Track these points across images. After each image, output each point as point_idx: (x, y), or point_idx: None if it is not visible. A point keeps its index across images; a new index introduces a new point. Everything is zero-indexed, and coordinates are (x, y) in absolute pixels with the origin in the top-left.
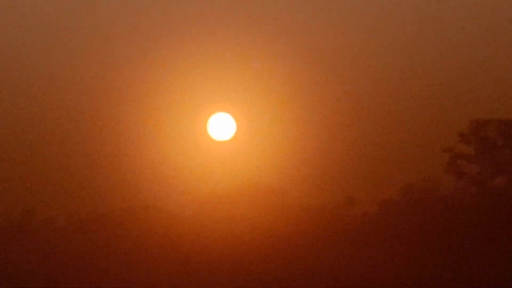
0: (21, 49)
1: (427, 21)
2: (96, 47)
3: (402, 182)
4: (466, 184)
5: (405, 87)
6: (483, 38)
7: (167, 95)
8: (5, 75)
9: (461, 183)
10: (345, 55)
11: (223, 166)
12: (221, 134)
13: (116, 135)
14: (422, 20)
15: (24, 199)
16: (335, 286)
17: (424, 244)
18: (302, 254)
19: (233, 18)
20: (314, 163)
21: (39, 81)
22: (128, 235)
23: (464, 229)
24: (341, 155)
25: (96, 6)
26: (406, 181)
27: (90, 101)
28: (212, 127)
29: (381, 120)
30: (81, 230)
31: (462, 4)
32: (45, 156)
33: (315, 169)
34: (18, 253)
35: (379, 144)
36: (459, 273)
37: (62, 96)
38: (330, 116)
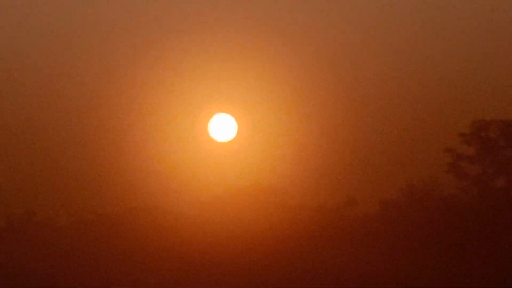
0: (22, 51)
1: (429, 21)
2: (96, 48)
3: (403, 183)
4: (468, 184)
5: (407, 88)
6: (485, 39)
7: (168, 96)
8: (8, 76)
9: (462, 184)
10: (347, 56)
11: (224, 167)
12: (222, 135)
13: (117, 136)
14: (423, 21)
15: (25, 199)
16: (336, 286)
17: (425, 244)
18: (303, 254)
19: (234, 19)
20: (315, 164)
21: (41, 82)
22: (129, 236)
23: (465, 230)
24: (342, 156)
25: (98, 7)
26: (407, 181)
27: (91, 102)
28: (213, 128)
29: (382, 121)
30: (82, 230)
31: (464, 4)
32: (46, 157)
33: (316, 169)
34: (18, 253)
35: (380, 144)
36: (460, 273)
37: (62, 97)
38: (331, 117)
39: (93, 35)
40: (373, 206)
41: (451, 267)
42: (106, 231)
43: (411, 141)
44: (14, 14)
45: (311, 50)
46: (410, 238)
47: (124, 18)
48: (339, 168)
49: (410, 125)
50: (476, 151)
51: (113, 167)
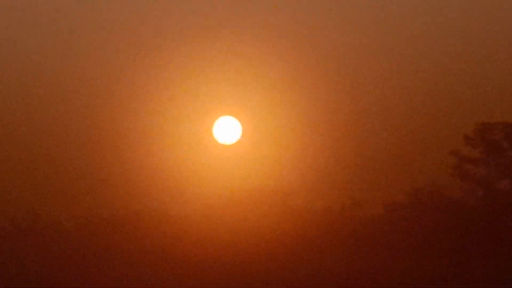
0: (24, 54)
1: (432, 24)
2: (101, 50)
3: (408, 185)
4: (472, 187)
5: (411, 91)
6: (488, 42)
7: (173, 99)
8: (9, 78)
9: (467, 186)
10: (351, 60)
11: (229, 170)
12: (226, 138)
13: (121, 139)
14: (426, 24)
15: (29, 202)
16: (341, 286)
17: (430, 247)
18: (308, 257)
19: (239, 23)
20: (320, 166)
21: (44, 86)
22: (133, 239)
23: (470, 232)
24: (347, 158)
25: (103, 9)
26: (412, 184)
27: (95, 105)
28: (218, 130)
29: (386, 124)
30: (85, 233)
31: (468, 7)
32: (50, 160)
33: (321, 172)
34: (23, 256)
35: (385, 147)
36: (465, 276)
37: (66, 100)
38: (336, 120)
39: (98, 37)
40: (378, 208)
41: (456, 269)
42: (111, 234)
43: (416, 144)
44: (14, 14)
45: (315, 53)
46: (414, 241)
47: (129, 21)
48: (343, 170)
49: (415, 128)
50: (480, 153)
51: (117, 170)
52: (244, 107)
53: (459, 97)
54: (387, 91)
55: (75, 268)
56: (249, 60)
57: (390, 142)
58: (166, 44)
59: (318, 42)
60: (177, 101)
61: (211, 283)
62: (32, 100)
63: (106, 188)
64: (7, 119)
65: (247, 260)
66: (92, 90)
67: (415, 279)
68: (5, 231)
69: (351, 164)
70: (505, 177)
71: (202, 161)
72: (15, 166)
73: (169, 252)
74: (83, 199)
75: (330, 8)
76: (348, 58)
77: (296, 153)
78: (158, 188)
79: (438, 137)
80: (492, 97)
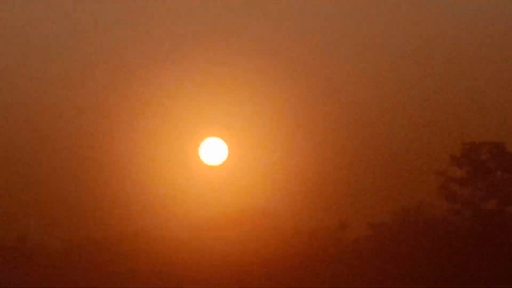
0: (19, 66)
1: (420, 43)
2: (88, 71)
3: (394, 206)
4: (458, 207)
5: (397, 112)
6: (475, 63)
7: (159, 119)
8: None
9: (453, 206)
10: (338, 81)
11: (215, 190)
12: (213, 159)
13: (108, 161)
14: (415, 43)
15: (18, 224)
16: None
17: (417, 267)
18: (295, 278)
19: (226, 45)
20: (306, 188)
21: (29, 107)
22: (120, 260)
23: (456, 252)
24: (334, 180)
25: (89, 35)
26: (399, 204)
27: (82, 129)
28: (204, 151)
29: (373, 145)
30: (73, 255)
31: (455, 28)
32: (38, 183)
33: (308, 193)
34: (12, 277)
35: (371, 168)
36: None
37: (55, 122)
38: (322, 141)
39: (85, 59)
40: (365, 229)
41: None
42: (98, 256)
43: (402, 164)
44: (14, 14)
45: (302, 75)
46: (401, 261)
47: (115, 40)
48: (330, 192)
49: (400, 148)
50: (466, 173)
51: (104, 192)
52: (230, 128)
53: (445, 117)
54: (373, 115)
55: None
56: (235, 81)
57: (376, 163)
58: (152, 66)
59: (305, 62)
60: (163, 122)
61: None
62: (18, 119)
63: (92, 210)
64: None
65: (234, 280)
66: (77, 113)
67: None
68: None
69: (337, 185)
70: (491, 197)
71: (188, 182)
72: (2, 188)
73: (156, 273)
74: (69, 221)
75: (316, 28)
76: (333, 81)
77: (282, 174)
78: (145, 210)
79: (424, 157)
80: (479, 117)
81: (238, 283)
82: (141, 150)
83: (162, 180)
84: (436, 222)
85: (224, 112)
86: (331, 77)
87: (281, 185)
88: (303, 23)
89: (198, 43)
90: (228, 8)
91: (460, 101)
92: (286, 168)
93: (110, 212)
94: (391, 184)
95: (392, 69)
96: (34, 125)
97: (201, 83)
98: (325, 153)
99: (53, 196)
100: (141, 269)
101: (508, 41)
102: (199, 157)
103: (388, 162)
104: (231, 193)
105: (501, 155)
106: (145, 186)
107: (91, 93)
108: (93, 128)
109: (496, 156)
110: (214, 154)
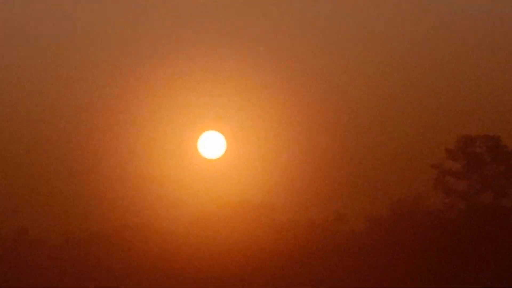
0: (12, 57)
1: (416, 40)
2: (87, 66)
3: (390, 199)
4: (454, 199)
5: (393, 107)
6: (471, 58)
7: (159, 114)
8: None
9: (449, 199)
10: (335, 75)
11: (214, 184)
12: (211, 152)
13: (108, 155)
14: (411, 39)
15: (18, 218)
16: None
17: (412, 259)
18: (292, 270)
19: (224, 39)
20: (304, 181)
21: (30, 105)
22: (120, 253)
23: (452, 245)
24: (331, 173)
25: (88, 33)
26: (395, 197)
27: (81, 124)
28: (203, 145)
29: (369, 139)
30: (73, 248)
31: (450, 25)
32: (38, 177)
33: (305, 186)
34: (12, 270)
35: (367, 161)
36: (447, 286)
37: (56, 116)
38: (319, 136)
39: (84, 56)
40: (361, 221)
41: (438, 281)
42: (98, 249)
43: (398, 157)
44: (15, 14)
45: (300, 70)
46: (397, 253)
47: (114, 36)
48: (327, 184)
49: (397, 142)
50: (462, 166)
51: (104, 186)
52: (229, 122)
53: (441, 111)
54: (370, 108)
55: (63, 282)
56: (233, 76)
57: (372, 156)
58: (152, 62)
59: (303, 58)
60: (162, 116)
61: None
62: (19, 115)
63: (92, 204)
64: None
65: (232, 272)
66: (76, 109)
67: None
68: None
69: (334, 178)
70: (486, 190)
71: (187, 175)
72: (3, 183)
73: (155, 265)
74: (70, 215)
75: (313, 26)
76: (331, 76)
77: (279, 167)
78: (144, 203)
79: (420, 150)
80: (474, 111)
81: (236, 275)
82: (141, 144)
83: (161, 173)
84: (432, 214)
85: (222, 106)
86: (328, 72)
87: (279, 178)
88: (301, 20)
89: (197, 39)
90: (228, 6)
91: (456, 96)
92: (283, 162)
93: (110, 206)
94: (388, 177)
95: (389, 65)
96: (36, 121)
97: (200, 78)
98: (322, 147)
99: (53, 190)
100: (141, 261)
101: (503, 37)
102: (197, 150)
103: (384, 156)
104: (229, 186)
105: (496, 148)
106: (145, 179)
107: (91, 88)
108: (93, 123)
109: (491, 149)
110: (213, 148)
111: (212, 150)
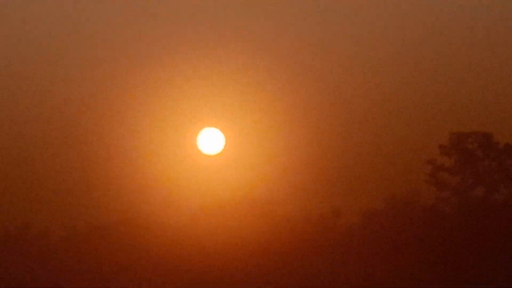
0: (16, 57)
1: (410, 38)
2: (88, 62)
3: (385, 194)
4: (447, 194)
5: (388, 104)
6: (463, 56)
7: (159, 111)
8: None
9: (442, 194)
10: (332, 74)
11: (213, 179)
12: (210, 148)
13: (110, 151)
14: (405, 38)
15: (21, 212)
16: None
17: (406, 252)
18: (289, 263)
19: (223, 37)
20: (301, 176)
21: (35, 100)
22: (121, 246)
23: (445, 238)
24: (327, 169)
25: (90, 27)
26: (390, 192)
27: (83, 120)
28: (202, 141)
29: (365, 135)
30: (76, 241)
31: (445, 22)
32: (42, 171)
33: (302, 182)
34: (16, 264)
35: (363, 157)
36: (440, 280)
37: (56, 112)
38: (316, 132)
39: (85, 50)
40: (357, 216)
41: (432, 274)
42: (99, 242)
43: (393, 153)
44: (16, 15)
45: (297, 67)
46: (392, 247)
47: (116, 34)
48: (323, 180)
49: (392, 138)
50: (455, 162)
51: (105, 181)
52: (227, 119)
53: (435, 108)
54: (365, 107)
55: (66, 275)
56: (232, 73)
57: (368, 152)
58: (151, 58)
59: (301, 56)
60: (163, 114)
61: (194, 287)
62: (21, 111)
63: (94, 198)
64: None
65: (231, 265)
66: (78, 104)
67: (393, 283)
68: None
69: (330, 173)
70: (478, 185)
71: (187, 171)
72: (7, 177)
73: (156, 258)
74: (72, 208)
75: (312, 23)
76: (328, 74)
77: (277, 163)
78: (146, 197)
79: (414, 146)
80: (466, 108)
81: (235, 267)
82: (142, 140)
83: (162, 169)
84: (426, 209)
85: (221, 103)
86: (326, 70)
87: (276, 174)
88: (300, 18)
89: (197, 38)
90: (227, 4)
91: (448, 94)
92: (281, 157)
93: (112, 200)
94: (383, 172)
95: (384, 64)
96: (38, 116)
97: (199, 77)
98: (319, 144)
99: (56, 184)
100: (143, 254)
101: (496, 34)
102: (197, 146)
103: (380, 152)
104: (228, 181)
105: (488, 144)
106: (146, 174)
107: (92, 86)
108: (95, 120)
109: (483, 145)
110: (212, 144)
111: (211, 146)
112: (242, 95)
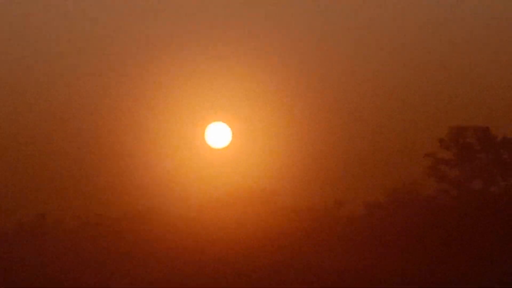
0: (22, 59)
1: (408, 32)
2: (97, 56)
3: (387, 186)
4: (447, 186)
5: (389, 99)
6: (462, 52)
7: (168, 107)
8: (10, 80)
9: (442, 186)
10: (333, 70)
11: (220, 171)
12: (218, 142)
13: (122, 144)
14: (403, 32)
15: (36, 203)
16: (325, 281)
17: (407, 243)
18: (294, 253)
19: (229, 34)
20: (305, 168)
21: (49, 93)
22: (132, 236)
23: (445, 229)
24: (330, 161)
25: (98, 18)
26: (391, 184)
27: (96, 114)
28: (210, 135)
29: (367, 129)
30: (88, 232)
31: (441, 18)
32: (57, 165)
33: (306, 174)
34: (30, 254)
35: (365, 150)
36: (440, 270)
37: (68, 106)
38: (319, 126)
39: (93, 45)
40: (359, 207)
41: (432, 263)
42: (112, 232)
43: (394, 147)
44: (17, 15)
45: (301, 63)
46: (393, 237)
47: (124, 30)
48: (327, 172)
49: (393, 133)
50: (454, 155)
51: (118, 173)
52: (234, 114)
53: (434, 104)
54: (367, 102)
55: (79, 264)
56: (239, 70)
57: (370, 145)
58: (161, 57)
59: (304, 53)
60: (171, 109)
61: (204, 275)
62: (32, 106)
63: (106, 190)
64: (11, 123)
65: (237, 254)
66: (92, 100)
67: (394, 272)
68: (12, 231)
69: (333, 166)
70: (476, 177)
71: (195, 164)
72: (22, 169)
73: (165, 247)
74: (85, 200)
75: (316, 17)
76: (331, 69)
77: (282, 156)
78: (156, 189)
79: (415, 140)
80: (465, 103)
81: (242, 256)
82: (153, 134)
83: (172, 162)
84: (426, 200)
85: (228, 99)
86: (328, 66)
87: (281, 166)
88: (303, 16)
89: (204, 32)
90: (232, 3)
91: (448, 89)
92: (285, 150)
93: (124, 192)
94: (385, 165)
95: (386, 58)
96: (53, 109)
97: (207, 73)
98: (323, 137)
99: (70, 177)
100: (151, 245)
101: (494, 29)
102: (205, 140)
103: (381, 146)
104: (234, 174)
105: (486, 138)
106: (156, 168)
107: (106, 83)
108: (106, 114)
109: (481, 139)
110: (219, 138)
111: (218, 140)
112: (248, 91)
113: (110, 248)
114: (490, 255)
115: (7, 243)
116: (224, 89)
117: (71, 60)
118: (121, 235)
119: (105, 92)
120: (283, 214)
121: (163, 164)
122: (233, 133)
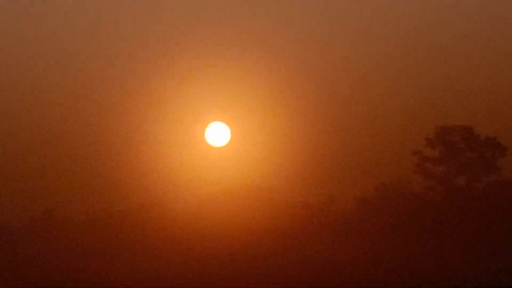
0: (27, 61)
1: (400, 35)
2: (100, 57)
3: (376, 182)
4: (433, 183)
5: (379, 99)
6: (448, 55)
7: (169, 107)
8: (21, 79)
9: (428, 183)
10: (329, 70)
11: (220, 169)
12: (217, 141)
13: (126, 144)
14: (395, 35)
15: (45, 199)
16: (318, 271)
17: (395, 236)
18: (289, 245)
19: (230, 35)
20: (299, 166)
21: (55, 93)
22: (136, 230)
23: (431, 223)
24: (323, 160)
25: (101, 16)
26: (380, 181)
27: (101, 114)
28: (209, 134)
29: (358, 128)
30: (95, 226)
31: (432, 20)
32: (64, 162)
33: (300, 171)
34: (40, 247)
35: (356, 148)
36: (426, 261)
37: (78, 106)
38: (313, 126)
39: (95, 46)
40: (350, 202)
41: (419, 255)
42: (117, 227)
43: (383, 146)
44: (18, 16)
45: (298, 64)
46: (382, 230)
47: (125, 32)
48: (320, 170)
49: (381, 132)
50: (440, 153)
51: (122, 171)
52: (233, 114)
53: (420, 104)
54: (360, 99)
55: (86, 257)
56: (238, 72)
57: (360, 144)
58: (162, 57)
59: (303, 53)
60: (174, 110)
61: (204, 268)
62: (41, 106)
63: (112, 186)
64: (20, 123)
65: (236, 247)
66: (93, 100)
67: (383, 263)
68: (22, 226)
69: (326, 164)
70: (461, 174)
71: (196, 162)
72: (30, 168)
73: (167, 240)
74: (92, 196)
75: (315, 18)
76: (326, 70)
77: (278, 154)
78: (158, 186)
79: (402, 139)
80: (451, 104)
81: (240, 248)
82: (155, 134)
83: (173, 160)
84: (413, 196)
85: (227, 100)
86: (324, 66)
87: (277, 164)
88: (302, 17)
89: (204, 34)
90: (234, 2)
91: (434, 89)
92: (281, 149)
93: (128, 189)
94: (374, 163)
95: (377, 59)
96: (61, 107)
97: (207, 74)
98: (316, 137)
99: (78, 174)
100: (155, 238)
101: (483, 30)
102: (205, 139)
103: (371, 144)
104: (233, 171)
105: (470, 137)
106: (159, 165)
107: (110, 84)
108: (111, 114)
109: (466, 138)
110: (219, 137)
111: (218, 139)
112: (246, 93)
113: (116, 241)
114: (474, 248)
115: (16, 238)
116: (224, 91)
117: (78, 60)
118: (126, 229)
119: (109, 92)
120: (279, 209)
121: (166, 162)
122: (232, 133)
